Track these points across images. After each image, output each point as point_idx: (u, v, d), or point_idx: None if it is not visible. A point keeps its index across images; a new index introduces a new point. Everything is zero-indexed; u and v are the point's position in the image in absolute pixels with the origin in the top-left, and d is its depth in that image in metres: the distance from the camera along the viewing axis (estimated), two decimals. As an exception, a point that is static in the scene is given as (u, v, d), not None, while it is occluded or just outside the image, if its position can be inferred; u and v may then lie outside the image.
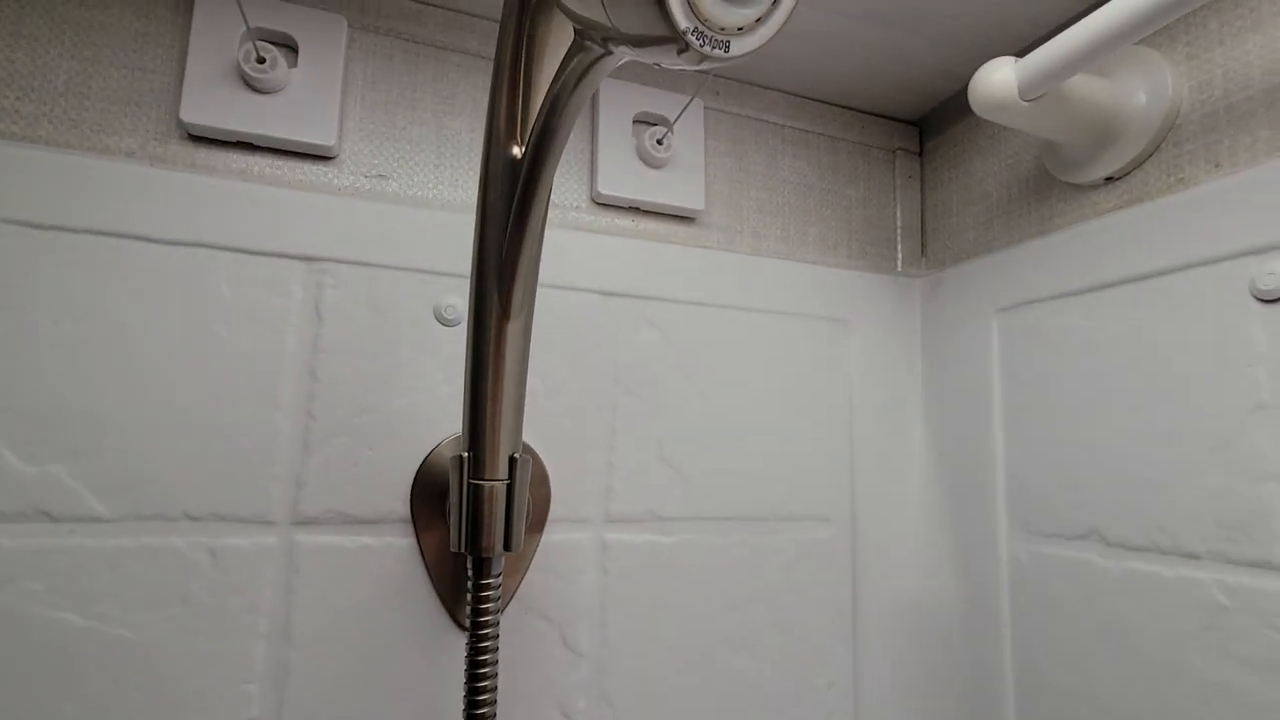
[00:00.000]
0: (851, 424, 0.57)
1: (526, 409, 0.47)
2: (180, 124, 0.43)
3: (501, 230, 0.34)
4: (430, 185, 0.48)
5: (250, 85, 0.43)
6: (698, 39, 0.19)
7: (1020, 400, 0.50)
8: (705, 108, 0.56)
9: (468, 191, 0.49)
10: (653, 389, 0.51)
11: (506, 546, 0.37)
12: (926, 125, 0.63)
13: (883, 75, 0.56)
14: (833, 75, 0.56)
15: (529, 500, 0.46)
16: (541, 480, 0.48)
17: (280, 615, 0.42)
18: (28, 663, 0.38)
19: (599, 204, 0.52)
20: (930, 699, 0.56)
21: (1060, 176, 0.48)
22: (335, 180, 0.46)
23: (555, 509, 0.48)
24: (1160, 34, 0.43)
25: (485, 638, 0.38)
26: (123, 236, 0.41)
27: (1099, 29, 0.37)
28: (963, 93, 0.59)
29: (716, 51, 0.20)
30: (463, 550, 0.37)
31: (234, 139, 0.44)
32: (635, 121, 0.53)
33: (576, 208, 0.52)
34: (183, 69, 0.44)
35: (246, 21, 0.43)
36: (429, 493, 0.45)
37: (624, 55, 0.24)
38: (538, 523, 0.47)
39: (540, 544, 0.47)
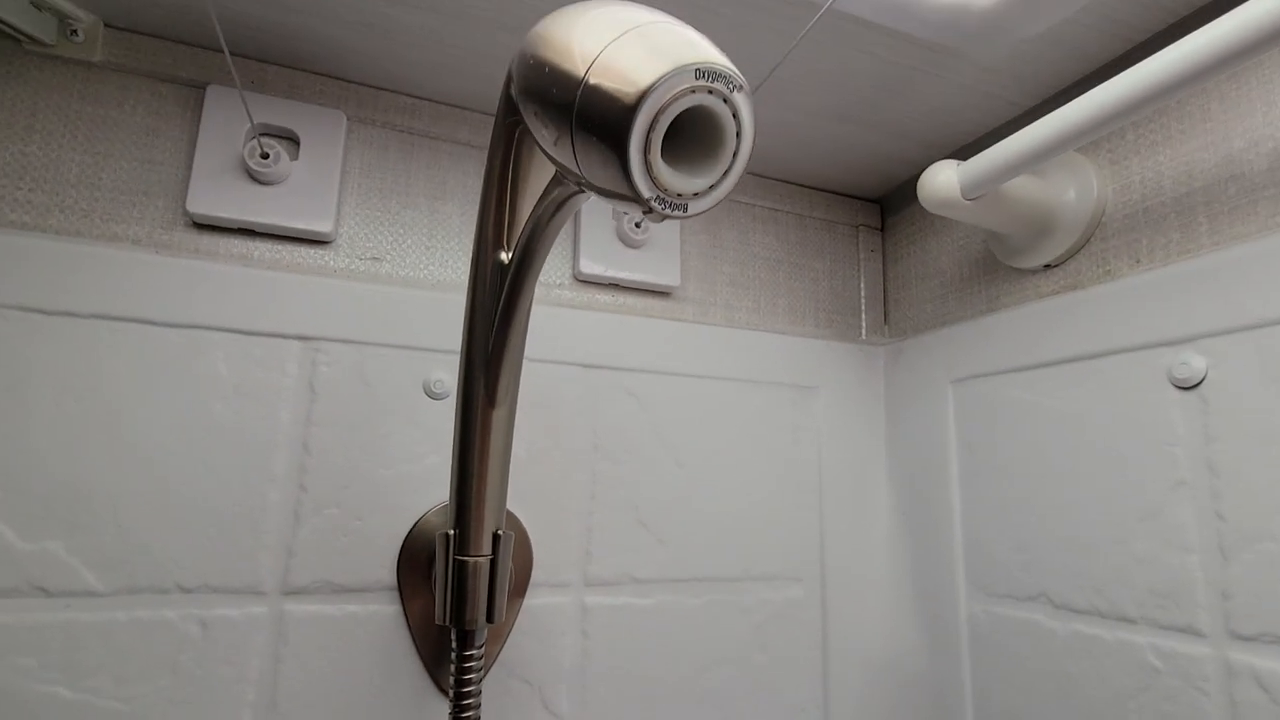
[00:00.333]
0: (820, 486, 0.60)
1: (510, 474, 0.49)
2: (186, 213, 0.46)
3: (489, 325, 0.37)
4: (422, 266, 0.52)
5: (254, 178, 0.46)
6: (659, 204, 0.23)
7: (975, 466, 0.54)
8: (680, 189, 0.60)
9: (457, 272, 0.52)
10: (630, 455, 0.54)
11: (489, 618, 0.39)
12: (887, 203, 0.68)
13: (844, 161, 0.61)
14: (799, 160, 0.61)
15: (511, 569, 0.48)
16: (524, 545, 0.50)
17: (268, 684, 0.43)
18: (17, 737, 0.39)
19: (581, 281, 0.56)
20: (899, 754, 0.58)
21: (1005, 262, 0.53)
22: (332, 263, 0.49)
23: (537, 573, 0.50)
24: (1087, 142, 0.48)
25: (468, 706, 0.39)
26: (125, 320, 0.44)
27: (1031, 142, 0.41)
28: (918, 178, 0.63)
29: (676, 213, 0.23)
30: (447, 623, 0.39)
31: (236, 226, 0.47)
32: (614, 208, 0.56)
33: (559, 285, 0.55)
34: (190, 162, 0.47)
35: (251, 118, 0.47)
36: (415, 561, 0.47)
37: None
38: (520, 588, 0.49)
39: (522, 608, 0.49)
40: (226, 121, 0.47)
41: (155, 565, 0.42)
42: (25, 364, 0.41)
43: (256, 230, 0.47)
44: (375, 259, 0.50)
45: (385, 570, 0.47)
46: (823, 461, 0.60)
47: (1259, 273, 0.37)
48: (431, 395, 0.49)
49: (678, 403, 0.56)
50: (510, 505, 0.50)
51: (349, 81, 0.51)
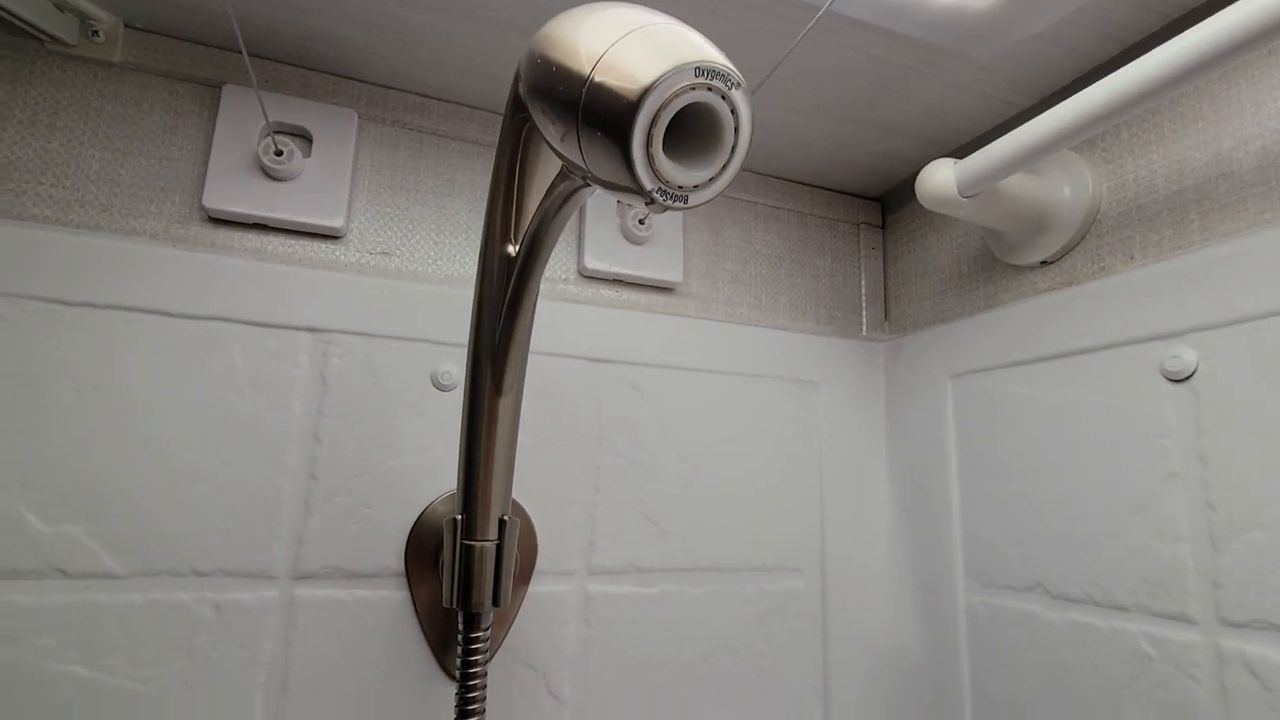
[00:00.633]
0: (821, 480, 0.61)
1: (516, 465, 0.50)
2: (202, 208, 0.47)
3: (496, 317, 0.38)
4: (430, 261, 0.53)
5: (268, 175, 0.48)
6: (661, 195, 0.24)
7: (973, 460, 0.55)
8: (683, 187, 0.61)
9: (465, 266, 0.54)
10: (634, 448, 0.55)
11: (495, 602, 0.40)
12: (888, 201, 0.69)
13: (844, 159, 0.62)
14: (799, 159, 0.62)
15: (517, 555, 0.49)
16: (529, 534, 0.51)
17: (279, 667, 0.44)
18: (35, 715, 0.40)
19: (585, 276, 0.57)
20: (897, 744, 0.58)
21: (1002, 259, 0.54)
22: (342, 257, 0.51)
23: (541, 562, 0.51)
24: (1081, 141, 0.49)
25: (474, 688, 0.40)
26: (143, 311, 0.45)
27: (1026, 140, 0.42)
28: (916, 176, 0.64)
29: (677, 204, 0.24)
30: (454, 606, 0.40)
31: (251, 221, 0.48)
32: (619, 201, 0.58)
33: (565, 280, 0.56)
34: (206, 159, 0.48)
35: (266, 116, 0.48)
36: (422, 548, 0.48)
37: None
38: (525, 575, 0.50)
39: (527, 595, 0.50)
40: (242, 120, 0.48)
41: (172, 549, 0.43)
42: (47, 353, 0.43)
43: (270, 225, 0.49)
44: (385, 254, 0.52)
45: (393, 557, 0.48)
46: (823, 455, 0.61)
47: (1249, 268, 0.38)
48: (439, 387, 0.50)
49: (681, 397, 0.57)
50: (516, 496, 0.51)
51: (360, 81, 0.52)
